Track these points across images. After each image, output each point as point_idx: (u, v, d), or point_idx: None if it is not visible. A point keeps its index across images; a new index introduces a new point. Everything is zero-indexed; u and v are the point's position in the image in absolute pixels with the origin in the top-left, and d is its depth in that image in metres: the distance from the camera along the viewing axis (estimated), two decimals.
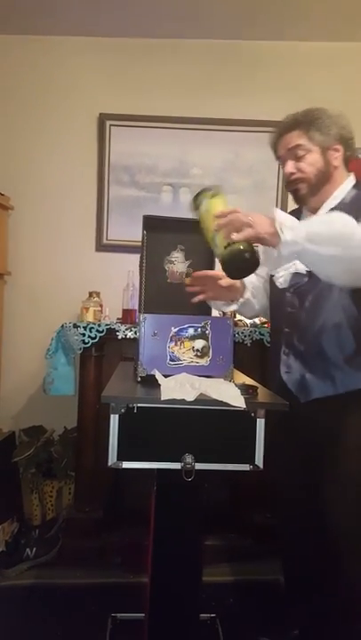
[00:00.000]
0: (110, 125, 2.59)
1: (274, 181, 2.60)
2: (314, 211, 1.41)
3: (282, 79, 2.58)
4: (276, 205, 2.59)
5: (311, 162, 1.37)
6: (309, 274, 1.31)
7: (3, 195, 2.49)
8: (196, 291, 1.38)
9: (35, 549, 2.07)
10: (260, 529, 2.11)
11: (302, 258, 1.14)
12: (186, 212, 1.49)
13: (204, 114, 2.58)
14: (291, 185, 1.42)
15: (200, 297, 1.38)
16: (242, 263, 1.09)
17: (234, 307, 1.51)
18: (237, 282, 1.46)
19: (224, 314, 1.64)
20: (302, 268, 1.33)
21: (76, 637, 1.62)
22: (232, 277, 1.19)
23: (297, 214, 1.43)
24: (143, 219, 1.42)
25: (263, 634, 1.62)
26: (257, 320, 2.19)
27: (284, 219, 1.10)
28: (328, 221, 1.14)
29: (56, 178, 2.63)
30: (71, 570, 2.01)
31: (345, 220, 1.11)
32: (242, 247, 1.07)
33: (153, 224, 1.42)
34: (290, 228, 1.08)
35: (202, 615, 1.58)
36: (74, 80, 2.61)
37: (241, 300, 1.51)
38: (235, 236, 1.07)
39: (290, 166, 1.39)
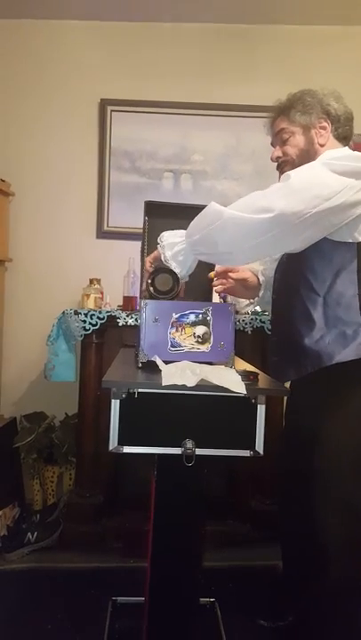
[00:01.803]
0: (111, 111, 2.56)
1: (275, 167, 2.57)
2: None
3: (284, 64, 2.54)
4: None
5: (294, 143, 1.41)
6: (281, 260, 1.44)
7: (3, 181, 2.47)
8: (218, 284, 1.51)
9: (36, 534, 2.09)
10: (258, 515, 2.13)
11: (197, 252, 1.25)
12: (187, 198, 1.50)
13: (206, 99, 2.55)
14: (278, 168, 1.47)
15: (222, 288, 1.51)
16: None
17: (252, 307, 1.57)
18: (253, 278, 1.55)
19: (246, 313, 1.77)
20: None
21: (76, 620, 1.64)
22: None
23: None
24: (145, 204, 1.42)
25: (260, 618, 1.65)
26: (257, 307, 2.19)
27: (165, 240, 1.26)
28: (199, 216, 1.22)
29: (57, 164, 2.61)
30: (72, 554, 2.03)
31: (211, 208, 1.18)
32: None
33: (154, 210, 1.42)
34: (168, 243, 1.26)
35: (201, 599, 1.61)
36: (75, 65, 2.58)
37: (256, 298, 1.58)
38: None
39: (276, 151, 1.46)
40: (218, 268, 1.49)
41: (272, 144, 1.50)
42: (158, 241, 1.28)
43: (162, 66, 2.57)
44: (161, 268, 1.27)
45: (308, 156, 1.38)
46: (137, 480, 2.00)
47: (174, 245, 1.25)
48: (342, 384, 1.30)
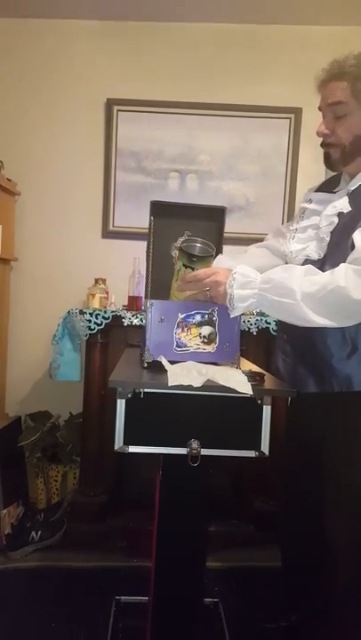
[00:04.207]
0: (118, 111, 2.56)
1: (283, 169, 2.57)
2: (352, 176, 1.28)
3: (292, 64, 2.53)
4: (284, 193, 2.56)
5: (349, 126, 1.21)
6: (321, 262, 1.25)
7: (10, 180, 2.48)
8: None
9: (40, 532, 2.10)
10: (262, 516, 2.12)
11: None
12: (193, 199, 1.49)
13: (213, 99, 2.55)
14: (323, 145, 1.28)
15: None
16: None
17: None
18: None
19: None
20: (315, 256, 1.27)
21: (80, 619, 1.64)
22: None
23: (335, 181, 1.35)
24: (150, 204, 1.41)
25: (263, 618, 1.64)
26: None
27: (236, 295, 1.15)
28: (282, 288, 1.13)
29: (63, 163, 2.61)
30: (75, 553, 2.03)
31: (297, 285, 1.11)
32: None
33: (160, 210, 1.40)
34: (240, 300, 1.15)
35: (205, 599, 1.61)
36: (81, 65, 2.58)
37: None
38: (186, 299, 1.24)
39: (324, 125, 1.25)
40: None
41: (319, 108, 1.27)
42: (229, 283, 1.16)
43: (169, 66, 2.57)
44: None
45: None
46: (141, 480, 2.00)
47: (246, 299, 1.15)
48: None
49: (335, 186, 1.33)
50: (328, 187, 1.36)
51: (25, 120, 2.61)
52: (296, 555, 1.58)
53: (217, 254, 1.34)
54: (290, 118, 2.54)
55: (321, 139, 1.28)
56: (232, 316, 1.18)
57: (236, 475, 2.22)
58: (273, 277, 1.14)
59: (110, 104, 2.56)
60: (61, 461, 2.38)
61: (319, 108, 1.27)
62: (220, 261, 1.33)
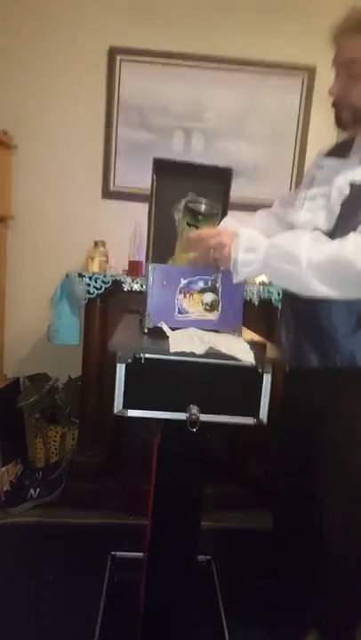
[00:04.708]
0: (121, 60, 2.42)
1: (293, 130, 2.48)
2: None
3: (308, 17, 2.36)
4: (293, 156, 2.48)
5: None
6: (330, 234, 1.19)
7: (6, 133, 2.38)
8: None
9: (38, 490, 2.14)
10: (256, 480, 2.16)
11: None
12: (198, 159, 1.43)
13: (223, 52, 2.41)
14: (333, 106, 1.21)
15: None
16: None
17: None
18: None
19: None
20: (324, 227, 1.21)
21: (76, 573, 1.69)
22: None
23: (348, 144, 1.28)
24: (153, 161, 1.35)
25: (254, 576, 1.71)
26: (265, 278, 2.15)
27: (241, 259, 1.11)
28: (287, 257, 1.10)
29: (62, 116, 2.50)
30: (73, 510, 2.08)
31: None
32: None
33: (163, 168, 1.35)
34: (245, 264, 1.11)
35: (198, 557, 1.66)
36: (82, 10, 2.42)
37: None
38: (189, 261, 1.20)
39: (336, 84, 1.17)
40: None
41: (334, 62, 1.18)
42: (235, 247, 1.12)
43: (178, 13, 2.41)
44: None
45: None
46: (139, 441, 2.02)
47: (250, 264, 1.11)
48: None
49: (348, 150, 1.27)
50: (340, 151, 1.29)
51: (23, 69, 2.47)
52: (287, 517, 1.62)
53: (223, 217, 1.31)
54: (303, 77, 2.43)
55: (332, 98, 1.21)
56: (235, 281, 1.15)
57: (232, 439, 2.25)
58: (279, 243, 1.11)
59: (113, 52, 2.42)
60: (60, 422, 2.40)
61: (333, 64, 1.19)
62: (226, 223, 1.29)
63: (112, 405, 1.08)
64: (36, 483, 2.17)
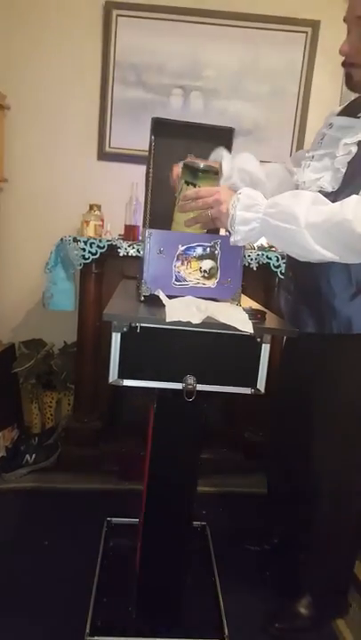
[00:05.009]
0: (117, 15, 2.32)
1: (295, 89, 2.38)
2: None
3: None
4: (295, 117, 2.40)
5: None
6: (335, 195, 1.16)
7: None
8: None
9: (34, 455, 2.15)
10: (251, 445, 2.18)
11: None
12: (197, 119, 1.38)
13: (222, 6, 2.30)
14: (344, 65, 1.17)
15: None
16: None
17: None
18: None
19: None
20: (329, 188, 1.18)
21: (72, 538, 1.70)
22: None
23: (358, 106, 1.23)
24: (152, 121, 1.30)
25: (248, 541, 1.73)
26: (264, 243, 2.11)
27: (239, 216, 1.07)
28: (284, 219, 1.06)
29: (56, 75, 2.40)
30: (69, 476, 2.10)
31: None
32: None
33: (162, 128, 1.30)
34: (243, 222, 1.08)
35: (193, 522, 1.68)
36: None
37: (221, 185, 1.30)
38: (188, 224, 1.15)
39: (347, 43, 1.13)
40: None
41: (345, 20, 1.14)
42: (233, 203, 1.08)
43: None
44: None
45: None
46: (135, 407, 2.04)
47: (248, 222, 1.08)
48: None
49: (360, 109, 1.21)
50: (352, 110, 1.23)
51: (13, 25, 2.36)
52: (282, 483, 1.65)
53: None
54: (306, 32, 2.32)
55: (343, 57, 1.15)
56: (232, 240, 1.11)
57: (227, 406, 2.26)
58: (279, 202, 1.07)
59: (109, 7, 2.32)
60: (56, 388, 2.40)
61: (344, 20, 1.13)
62: (243, 158, 1.28)
63: (107, 374, 1.07)
64: (32, 448, 2.18)
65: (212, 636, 1.31)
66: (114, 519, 1.75)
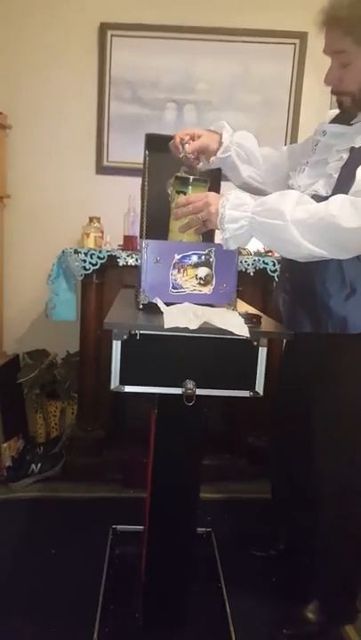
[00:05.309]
0: (112, 36, 2.39)
1: (286, 98, 2.44)
2: None
3: None
4: (287, 124, 2.46)
5: (357, 72, 1.15)
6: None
7: (1, 113, 2.35)
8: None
9: (39, 465, 2.18)
10: (254, 451, 2.20)
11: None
12: None
13: (213, 23, 2.37)
14: (333, 93, 1.24)
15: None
16: None
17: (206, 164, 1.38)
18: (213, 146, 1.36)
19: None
20: (323, 192, 1.22)
21: (78, 546, 1.72)
22: None
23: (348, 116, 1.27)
24: (145, 137, 1.35)
25: (253, 547, 1.73)
26: (261, 248, 2.15)
27: (228, 215, 1.12)
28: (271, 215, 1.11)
29: (54, 93, 2.48)
30: (74, 484, 2.12)
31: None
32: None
33: (156, 143, 1.35)
34: (231, 220, 1.13)
35: (198, 529, 1.70)
36: None
37: (213, 158, 1.37)
38: (182, 229, 1.21)
39: (330, 75, 1.20)
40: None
41: (324, 52, 1.20)
42: (222, 203, 1.14)
43: None
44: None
45: None
46: (137, 414, 2.06)
47: (237, 220, 1.13)
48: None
49: (353, 117, 1.25)
50: (344, 118, 1.27)
51: (13, 47, 2.44)
52: (284, 486, 1.66)
53: (215, 190, 1.30)
54: (294, 44, 2.38)
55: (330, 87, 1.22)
56: (221, 238, 1.15)
57: (230, 411, 2.28)
58: (266, 201, 1.12)
59: (104, 29, 2.40)
60: (60, 397, 2.43)
61: (324, 52, 1.20)
62: (242, 136, 1.37)
63: (109, 381, 1.10)
64: (37, 458, 2.21)
65: None
66: (119, 527, 1.76)
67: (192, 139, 1.32)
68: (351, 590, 1.45)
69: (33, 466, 2.17)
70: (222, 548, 1.70)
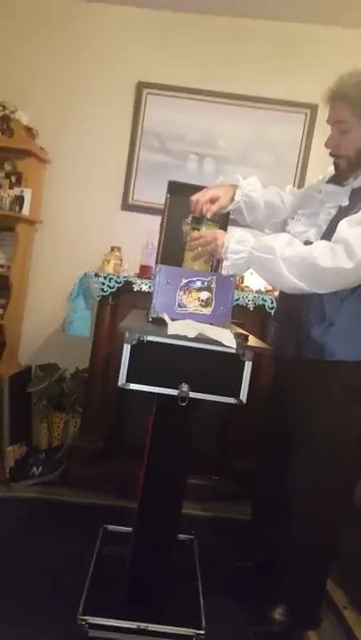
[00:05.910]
0: (147, 93, 2.74)
1: (295, 159, 2.74)
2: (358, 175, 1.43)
3: (312, 62, 2.65)
4: (294, 182, 2.73)
5: (353, 140, 1.37)
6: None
7: (42, 149, 2.67)
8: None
9: (40, 468, 2.30)
10: (241, 473, 2.29)
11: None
12: (209, 181, 1.65)
13: (235, 90, 2.71)
14: (331, 156, 1.45)
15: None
16: None
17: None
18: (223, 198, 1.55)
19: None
20: (313, 239, 1.41)
21: (70, 543, 1.83)
22: None
23: (343, 176, 1.46)
24: (168, 184, 1.58)
25: (233, 559, 1.82)
26: (262, 287, 2.37)
27: (231, 247, 1.37)
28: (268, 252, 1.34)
29: (92, 138, 2.80)
30: (71, 490, 2.24)
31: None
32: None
33: (176, 189, 1.58)
34: (234, 252, 1.37)
35: (182, 536, 1.80)
36: (115, 49, 2.76)
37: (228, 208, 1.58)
38: (194, 259, 1.46)
39: (330, 140, 1.42)
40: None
41: (327, 121, 1.42)
42: (228, 237, 1.38)
43: (196, 55, 2.73)
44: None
45: None
46: (136, 432, 2.19)
47: (238, 252, 1.37)
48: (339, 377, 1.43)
49: (346, 179, 1.47)
50: (339, 178, 1.49)
51: (60, 94, 2.79)
52: (264, 504, 1.77)
53: (223, 229, 1.54)
54: (306, 113, 2.70)
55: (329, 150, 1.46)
56: (224, 265, 1.38)
57: (220, 434, 2.39)
58: (262, 240, 1.37)
59: (140, 87, 2.74)
60: (65, 410, 2.58)
61: (327, 121, 1.43)
62: (250, 184, 1.61)
63: (117, 379, 1.28)
64: (39, 462, 2.34)
65: (192, 626, 1.43)
66: (110, 526, 1.87)
67: (211, 202, 1.50)
68: (317, 597, 1.55)
69: (34, 469, 2.30)
70: (205, 558, 1.79)
